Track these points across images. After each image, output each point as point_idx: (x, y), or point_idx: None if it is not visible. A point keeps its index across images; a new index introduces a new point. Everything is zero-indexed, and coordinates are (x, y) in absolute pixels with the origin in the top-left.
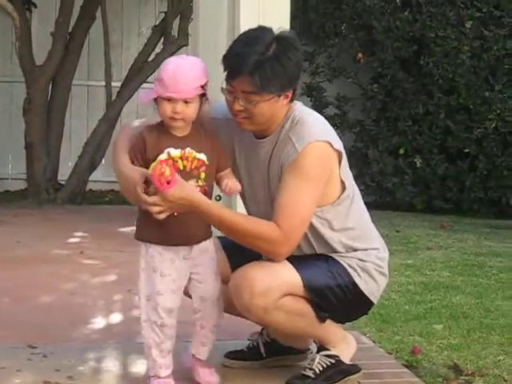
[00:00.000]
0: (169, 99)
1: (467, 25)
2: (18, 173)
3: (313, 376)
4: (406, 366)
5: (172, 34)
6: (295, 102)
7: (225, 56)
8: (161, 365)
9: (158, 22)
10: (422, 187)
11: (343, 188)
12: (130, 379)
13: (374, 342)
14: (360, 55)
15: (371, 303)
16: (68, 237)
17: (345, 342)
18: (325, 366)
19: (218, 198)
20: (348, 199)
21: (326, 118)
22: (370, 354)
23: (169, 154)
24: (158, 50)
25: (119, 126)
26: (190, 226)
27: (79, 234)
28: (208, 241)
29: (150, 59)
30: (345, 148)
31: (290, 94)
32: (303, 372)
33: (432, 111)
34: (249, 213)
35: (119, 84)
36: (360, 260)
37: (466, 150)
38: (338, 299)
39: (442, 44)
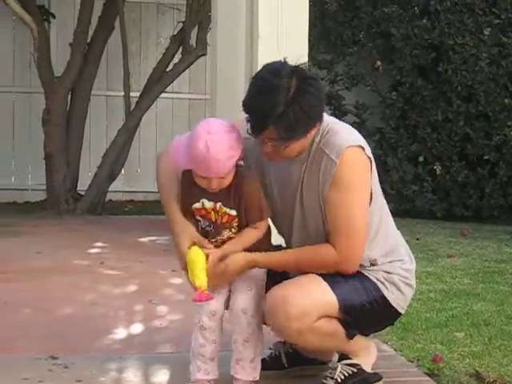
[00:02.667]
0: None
1: (486, 32)
2: (38, 184)
3: None
4: (428, 374)
5: (190, 43)
6: None
7: (245, 107)
8: (200, 368)
9: (176, 32)
10: (442, 194)
11: (371, 198)
12: None
13: (395, 350)
14: (378, 63)
15: (399, 314)
16: (88, 247)
17: (367, 351)
18: (346, 374)
19: None
20: (377, 210)
21: None
22: (391, 363)
23: (203, 204)
24: (176, 59)
25: (138, 136)
26: None
27: (99, 244)
28: None
29: (168, 69)
30: None
31: (318, 126)
32: (324, 381)
33: (451, 118)
34: (279, 231)
35: (138, 94)
36: (385, 272)
37: (486, 157)
38: (369, 315)
39: (461, 51)
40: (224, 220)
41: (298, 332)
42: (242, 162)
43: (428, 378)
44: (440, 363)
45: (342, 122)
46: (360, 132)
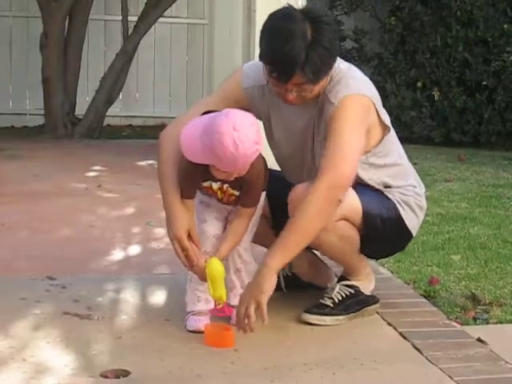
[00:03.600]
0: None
1: None
2: (36, 108)
3: (331, 305)
4: (424, 296)
5: None
6: None
7: (266, 57)
8: (200, 298)
9: None
10: (440, 120)
11: (384, 129)
12: (149, 310)
13: (392, 272)
14: None
15: (410, 236)
16: (85, 171)
17: (368, 279)
18: (344, 295)
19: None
20: (389, 139)
21: (344, 51)
22: (387, 285)
23: (211, 185)
24: None
25: (136, 61)
26: None
27: (97, 167)
28: None
29: None
30: None
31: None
32: (322, 301)
33: (450, 44)
34: (285, 173)
35: (136, 18)
36: (401, 194)
37: (485, 83)
38: (385, 232)
39: None
40: (230, 199)
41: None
42: None
43: (424, 300)
44: (436, 285)
45: (351, 67)
46: (358, 57)
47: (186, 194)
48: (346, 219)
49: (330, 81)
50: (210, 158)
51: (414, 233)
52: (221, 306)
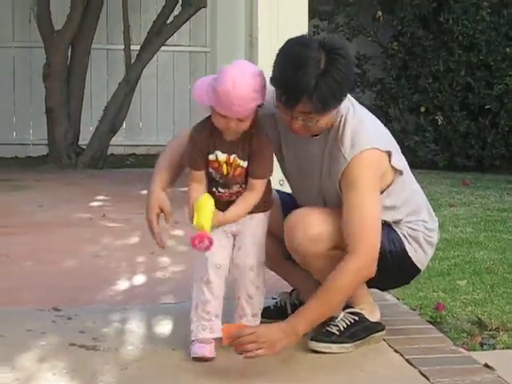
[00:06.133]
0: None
1: None
2: (39, 138)
3: (337, 333)
4: (431, 322)
5: None
6: None
7: (276, 81)
8: (205, 326)
9: None
10: (444, 145)
11: (395, 172)
12: (155, 340)
13: (397, 298)
14: (379, 13)
15: (418, 271)
16: (90, 200)
17: (371, 307)
18: (349, 323)
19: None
20: (399, 180)
21: None
22: (394, 311)
23: (217, 156)
24: (176, 12)
25: (139, 89)
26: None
27: (101, 197)
28: (259, 214)
29: (168, 21)
30: (365, 106)
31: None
32: (328, 328)
33: (453, 68)
34: (298, 200)
35: (138, 47)
36: (410, 228)
37: (488, 107)
38: (387, 265)
39: (462, 0)
40: (236, 173)
41: (312, 254)
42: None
43: (431, 326)
44: (442, 311)
45: (360, 108)
46: (361, 83)
47: (195, 164)
48: (340, 247)
49: (342, 122)
50: (211, 98)
51: (421, 267)
52: (203, 232)
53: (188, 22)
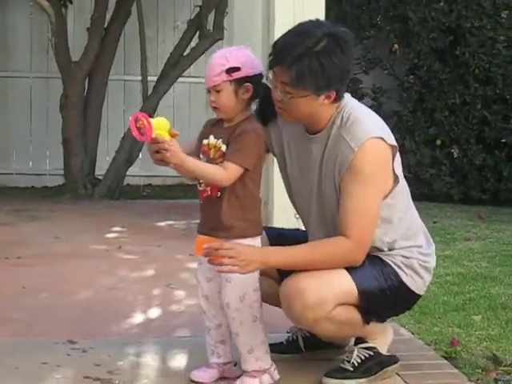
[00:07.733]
0: (208, 90)
1: (503, 14)
2: (56, 168)
3: (351, 369)
4: (445, 358)
5: (207, 27)
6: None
7: (274, 43)
8: (213, 352)
9: (193, 16)
10: (460, 178)
11: (395, 181)
12: (170, 373)
13: (412, 333)
14: (396, 46)
15: (418, 297)
16: (106, 232)
17: (383, 334)
18: (363, 358)
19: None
20: (399, 194)
21: None
22: (408, 346)
23: (209, 140)
24: (193, 43)
25: None
26: (224, 216)
27: (117, 228)
28: (246, 239)
29: (185, 53)
30: None
31: (332, 96)
32: (342, 365)
33: (469, 101)
34: (294, 205)
35: (155, 78)
36: (403, 257)
37: (503, 140)
38: (387, 300)
39: (478, 34)
40: (217, 155)
41: (315, 321)
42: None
43: (445, 362)
44: (457, 346)
45: (363, 107)
46: (377, 115)
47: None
48: (342, 304)
49: (343, 118)
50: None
51: (421, 293)
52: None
53: (205, 54)
